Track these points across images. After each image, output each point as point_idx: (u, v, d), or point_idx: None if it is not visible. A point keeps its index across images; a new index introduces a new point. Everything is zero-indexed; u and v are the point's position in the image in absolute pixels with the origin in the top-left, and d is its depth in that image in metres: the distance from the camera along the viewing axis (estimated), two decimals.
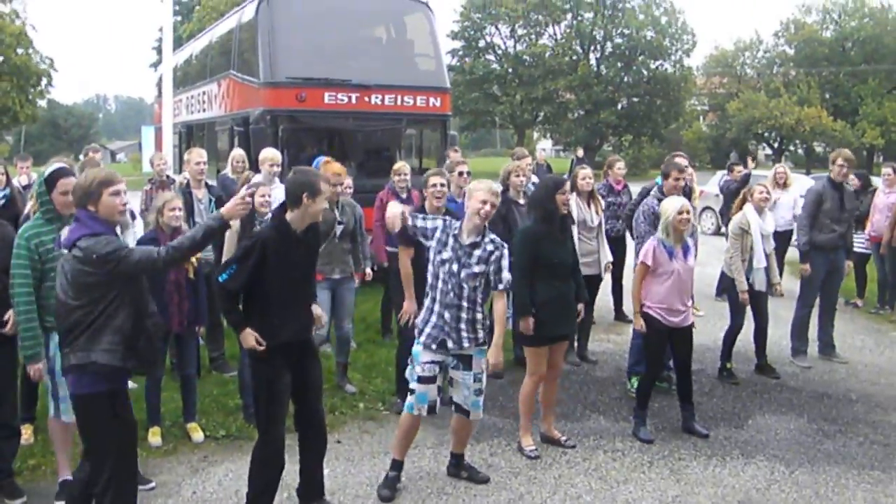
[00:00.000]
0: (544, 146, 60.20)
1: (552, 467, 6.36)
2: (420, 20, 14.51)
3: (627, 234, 9.74)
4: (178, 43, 25.42)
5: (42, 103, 46.41)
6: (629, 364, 8.28)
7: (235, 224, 7.00)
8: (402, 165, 9.22)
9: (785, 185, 12.88)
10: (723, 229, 9.21)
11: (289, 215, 5.05)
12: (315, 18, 13.30)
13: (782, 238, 12.24)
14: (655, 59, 54.69)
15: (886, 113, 52.74)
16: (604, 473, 6.27)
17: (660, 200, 7.81)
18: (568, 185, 6.87)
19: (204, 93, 17.24)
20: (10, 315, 5.36)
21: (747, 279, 8.43)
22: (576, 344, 9.02)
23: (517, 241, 6.63)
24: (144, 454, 6.16)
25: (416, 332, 5.77)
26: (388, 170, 9.61)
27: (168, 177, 9.87)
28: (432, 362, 5.65)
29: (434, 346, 5.61)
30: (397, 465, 5.88)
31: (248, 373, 6.93)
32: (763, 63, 62.74)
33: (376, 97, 13.01)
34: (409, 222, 5.67)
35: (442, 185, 7.17)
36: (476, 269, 5.58)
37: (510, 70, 56.01)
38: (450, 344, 5.60)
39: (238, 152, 10.15)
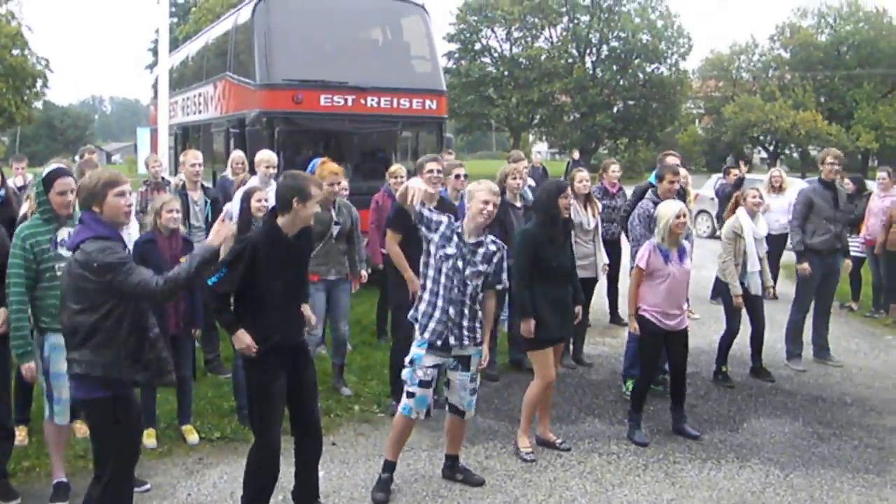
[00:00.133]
0: (540, 149, 60.12)
1: (547, 470, 6.36)
2: (416, 22, 14.52)
3: (623, 237, 9.75)
4: (175, 44, 25.44)
5: (38, 104, 46.35)
6: (624, 367, 8.29)
7: (232, 228, 7.00)
8: (399, 168, 9.20)
9: (780, 189, 12.93)
10: (718, 232, 9.25)
11: (280, 220, 5.04)
12: (311, 20, 13.29)
13: (778, 242, 12.27)
14: (651, 62, 54.77)
15: (881, 117, 52.85)
16: (599, 476, 6.27)
17: (655, 203, 7.82)
18: (570, 190, 6.88)
19: (200, 94, 17.24)
20: (2, 314, 5.35)
21: (742, 283, 8.44)
22: (571, 347, 9.03)
23: (517, 243, 6.65)
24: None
25: (417, 326, 5.70)
26: (384, 172, 9.61)
27: (163, 178, 9.86)
28: (434, 366, 5.65)
29: (439, 343, 5.59)
30: (390, 467, 5.87)
31: (241, 374, 6.91)
32: (759, 67, 62.83)
33: (372, 99, 13.01)
34: (421, 209, 5.63)
35: (438, 171, 7.21)
36: (481, 267, 5.62)
37: (506, 73, 56.06)
38: (452, 341, 5.60)
39: (238, 154, 10.15)
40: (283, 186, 5.09)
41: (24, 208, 6.45)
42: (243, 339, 4.99)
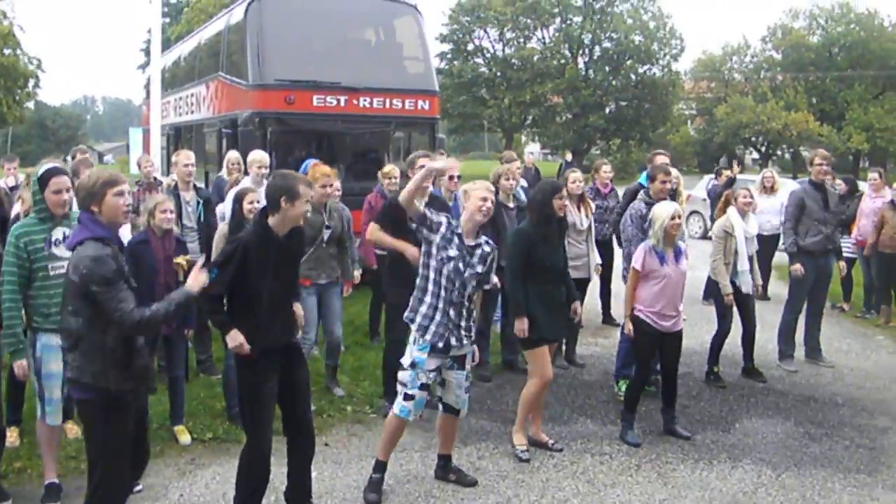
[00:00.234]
0: (532, 150, 60.15)
1: (540, 471, 6.36)
2: (409, 23, 14.52)
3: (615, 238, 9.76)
4: (167, 44, 25.36)
5: (29, 104, 46.16)
6: (616, 367, 8.30)
7: (224, 229, 6.99)
8: (393, 168, 9.19)
9: (773, 190, 12.96)
10: (710, 233, 9.27)
11: (270, 220, 5.03)
12: (304, 21, 13.29)
13: (769, 243, 12.30)
14: (643, 63, 54.80)
15: (872, 118, 53.01)
16: (591, 477, 6.28)
17: (647, 204, 7.84)
18: (565, 191, 6.90)
19: (192, 95, 17.21)
20: None
21: (732, 282, 8.46)
22: (563, 348, 9.03)
23: (511, 242, 6.67)
24: None
25: (415, 327, 5.66)
26: (377, 172, 9.59)
27: (155, 179, 9.83)
28: (435, 369, 5.66)
29: (440, 345, 5.59)
30: (381, 467, 5.86)
31: (232, 373, 6.93)
32: (750, 68, 62.97)
33: (365, 100, 13.02)
34: (425, 209, 5.61)
35: None
36: (479, 269, 5.64)
37: (498, 73, 56.06)
38: (453, 342, 5.61)
39: (233, 154, 10.14)
40: (271, 186, 5.08)
41: (17, 208, 6.43)
42: (236, 338, 4.97)
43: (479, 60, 58.07)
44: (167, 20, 54.52)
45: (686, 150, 60.46)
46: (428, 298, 5.63)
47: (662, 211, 6.91)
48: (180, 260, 6.50)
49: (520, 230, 6.81)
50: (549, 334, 6.56)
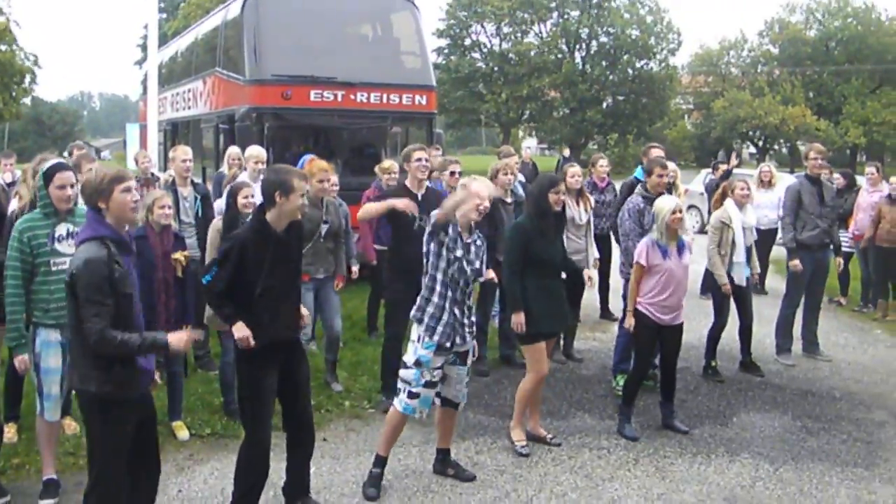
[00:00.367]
0: (529, 144, 60.22)
1: (538, 465, 6.37)
2: (406, 18, 14.51)
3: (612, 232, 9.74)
4: (164, 40, 25.36)
5: (26, 100, 46.06)
6: (614, 362, 8.30)
7: (218, 223, 6.98)
8: (392, 164, 9.17)
9: (770, 184, 12.97)
10: (707, 228, 9.28)
11: (267, 215, 5.03)
12: (301, 16, 13.26)
13: (767, 237, 12.31)
14: (641, 57, 54.79)
15: (869, 112, 53.09)
16: (589, 471, 6.29)
17: (644, 198, 7.83)
18: (563, 185, 6.89)
19: (189, 90, 17.20)
20: None
21: (728, 274, 8.46)
22: (562, 342, 9.04)
23: (508, 237, 6.68)
24: None
25: (422, 327, 5.63)
26: (374, 168, 9.59)
27: (153, 174, 9.82)
28: (440, 367, 5.67)
29: (448, 345, 5.61)
30: (382, 462, 5.86)
31: (228, 370, 6.95)
32: (748, 62, 63.00)
33: (362, 95, 13.00)
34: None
35: (427, 159, 7.24)
36: (476, 264, 5.69)
37: (496, 68, 56.03)
38: (458, 340, 5.64)
39: (234, 149, 10.13)
40: (266, 181, 5.10)
41: (14, 205, 6.42)
42: (242, 330, 4.93)
43: (477, 55, 58.08)
44: (164, 16, 54.46)
45: (683, 145, 60.50)
46: (435, 299, 5.62)
47: (664, 205, 6.90)
48: (178, 256, 6.49)
49: (516, 224, 6.81)
50: (546, 328, 6.55)
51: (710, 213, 9.20)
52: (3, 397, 6.48)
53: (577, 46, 56.52)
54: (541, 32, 57.48)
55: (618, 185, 10.24)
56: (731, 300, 8.54)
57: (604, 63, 55.13)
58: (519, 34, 57.44)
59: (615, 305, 10.40)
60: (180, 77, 18.48)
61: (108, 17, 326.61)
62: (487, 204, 5.68)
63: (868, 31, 56.49)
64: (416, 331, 5.70)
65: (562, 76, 53.04)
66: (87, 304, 4.13)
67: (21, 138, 72.26)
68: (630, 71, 54.98)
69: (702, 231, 18.65)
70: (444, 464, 6.12)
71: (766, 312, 10.16)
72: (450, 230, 5.57)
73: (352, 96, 12.90)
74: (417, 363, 5.63)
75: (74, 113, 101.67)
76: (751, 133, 57.17)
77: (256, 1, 13.11)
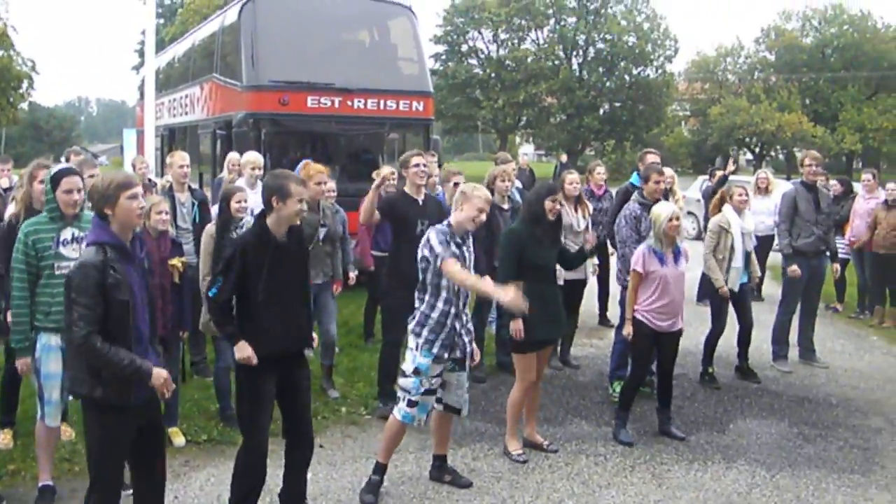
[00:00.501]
0: (526, 150, 60.24)
1: (535, 472, 6.37)
2: (403, 24, 14.53)
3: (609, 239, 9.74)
4: (161, 46, 25.32)
5: (23, 106, 46.02)
6: (611, 368, 8.30)
7: (211, 229, 6.98)
8: (392, 172, 9.15)
9: (767, 191, 12.99)
10: (704, 234, 9.29)
11: (268, 220, 5.03)
12: (298, 22, 13.28)
13: (763, 243, 12.31)
14: (637, 64, 54.83)
15: (865, 119, 53.15)
16: (586, 478, 6.28)
17: (641, 204, 7.83)
18: (560, 195, 6.87)
19: (186, 96, 17.20)
20: None
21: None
22: (558, 348, 9.03)
23: (503, 242, 6.68)
24: None
25: (423, 342, 5.61)
26: (371, 174, 9.57)
27: (150, 180, 9.81)
28: (439, 374, 5.66)
29: (447, 355, 5.61)
30: (382, 470, 5.85)
31: (223, 376, 6.94)
32: (744, 69, 63.09)
33: (359, 101, 13.00)
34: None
35: (425, 165, 7.25)
36: (470, 268, 5.68)
37: (492, 74, 55.98)
38: (457, 353, 5.67)
39: (234, 155, 10.14)
40: (264, 186, 5.11)
41: (10, 209, 6.41)
42: (244, 350, 4.92)
43: (474, 61, 58.01)
44: (161, 21, 54.49)
45: (680, 152, 60.48)
46: (436, 315, 5.60)
47: (661, 212, 6.91)
48: (175, 261, 6.48)
49: (511, 230, 6.79)
50: (542, 335, 6.54)
51: (706, 219, 9.20)
52: None
53: (574, 53, 56.52)
54: (538, 39, 57.46)
55: (614, 192, 10.25)
56: (730, 305, 8.54)
57: (601, 69, 55.14)
58: (516, 41, 57.39)
59: (613, 312, 10.39)
60: (177, 83, 18.49)
61: (106, 23, 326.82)
62: (483, 217, 5.67)
63: (864, 38, 56.59)
64: (413, 339, 5.69)
65: (559, 82, 53.01)
66: (73, 306, 4.13)
67: (18, 143, 72.13)
68: (627, 77, 54.98)
69: (699, 238, 18.68)
70: (440, 470, 6.11)
71: (762, 319, 10.16)
72: (458, 239, 5.61)
73: (349, 102, 12.91)
74: (416, 371, 5.62)
75: (72, 118, 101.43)
76: (747, 140, 57.18)
77: (254, 7, 13.13)
